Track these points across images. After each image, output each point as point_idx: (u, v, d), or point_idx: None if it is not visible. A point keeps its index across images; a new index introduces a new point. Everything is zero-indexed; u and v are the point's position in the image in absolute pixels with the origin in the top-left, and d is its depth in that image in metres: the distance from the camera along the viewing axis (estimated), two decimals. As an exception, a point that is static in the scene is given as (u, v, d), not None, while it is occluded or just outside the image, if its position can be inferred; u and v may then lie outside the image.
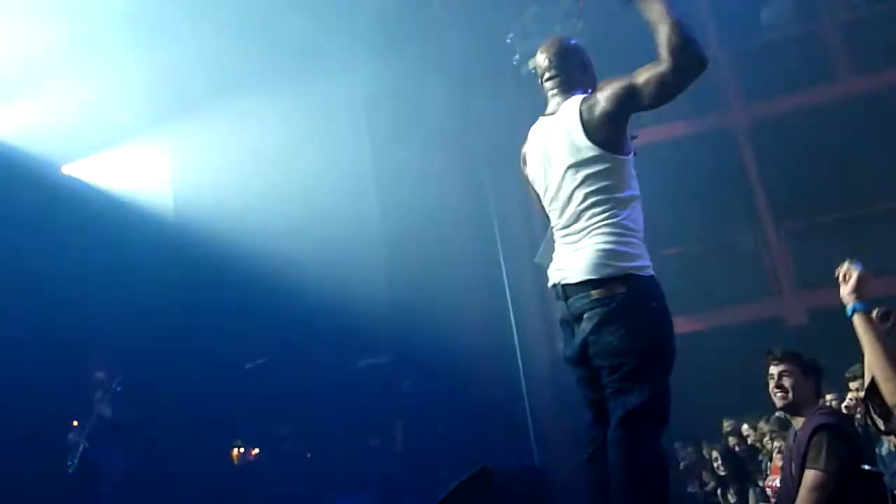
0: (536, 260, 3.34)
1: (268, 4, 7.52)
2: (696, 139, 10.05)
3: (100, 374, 6.92)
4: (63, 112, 8.09)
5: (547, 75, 3.11)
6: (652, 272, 2.86)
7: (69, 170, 8.82)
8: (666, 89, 2.70)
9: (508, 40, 8.96)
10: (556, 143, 2.96)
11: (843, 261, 3.00)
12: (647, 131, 10.02)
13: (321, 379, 8.46)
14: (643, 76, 2.72)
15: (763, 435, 6.19)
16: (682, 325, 9.08)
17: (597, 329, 2.79)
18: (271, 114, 8.75)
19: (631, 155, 2.91)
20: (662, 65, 2.67)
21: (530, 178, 3.14)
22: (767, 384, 3.83)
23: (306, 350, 8.55)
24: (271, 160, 8.75)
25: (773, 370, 3.80)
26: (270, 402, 8.26)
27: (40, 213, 7.80)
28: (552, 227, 3.06)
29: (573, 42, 3.20)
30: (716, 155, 10.02)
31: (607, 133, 2.82)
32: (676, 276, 9.52)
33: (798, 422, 3.75)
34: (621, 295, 2.76)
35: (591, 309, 2.80)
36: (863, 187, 9.61)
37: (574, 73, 3.07)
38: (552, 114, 3.04)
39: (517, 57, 8.45)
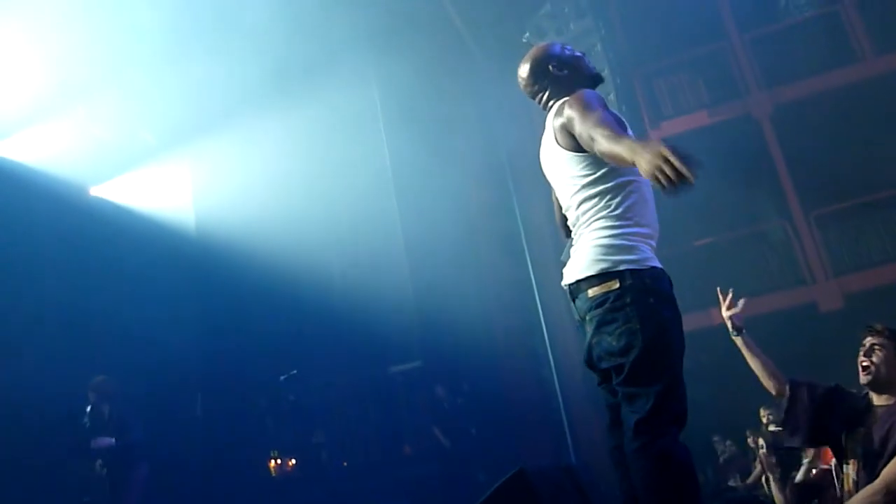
0: (562, 258, 3.32)
1: (281, 19, 7.53)
2: (719, 128, 9.95)
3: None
4: (89, 134, 8.22)
5: (529, 97, 3.13)
6: (653, 263, 2.73)
7: (97, 191, 8.91)
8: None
9: (524, 39, 8.99)
10: (546, 153, 2.99)
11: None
12: (669, 123, 10.10)
13: (353, 387, 8.49)
14: (582, 128, 2.67)
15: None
16: (715, 316, 9.16)
17: (597, 330, 2.71)
18: (290, 129, 8.79)
19: None
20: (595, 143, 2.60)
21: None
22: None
23: (336, 360, 8.58)
24: (291, 175, 8.77)
25: (868, 340, 3.68)
26: (304, 412, 8.29)
27: (69, 236, 7.89)
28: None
29: (542, 52, 3.10)
30: (740, 143, 9.90)
31: (576, 142, 2.77)
32: (707, 267, 9.48)
33: (881, 399, 3.62)
34: (616, 291, 2.66)
35: (590, 309, 2.73)
36: (890, 169, 9.45)
37: (552, 83, 3.04)
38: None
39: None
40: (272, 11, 7.45)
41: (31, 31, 6.94)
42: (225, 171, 9.20)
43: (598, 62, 8.05)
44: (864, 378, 3.65)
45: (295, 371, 6.52)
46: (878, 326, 3.72)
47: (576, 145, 2.79)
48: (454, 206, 8.99)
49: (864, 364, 3.64)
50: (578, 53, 3.13)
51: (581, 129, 2.69)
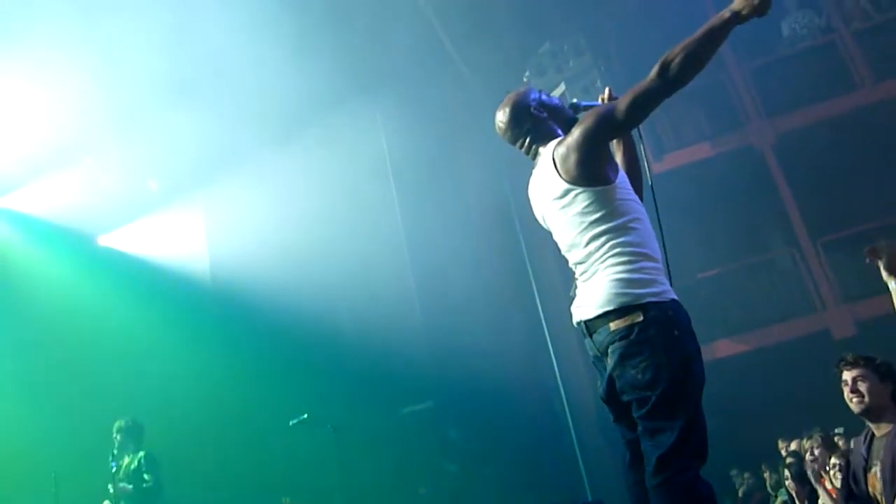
0: (572, 294, 3.31)
1: (285, 63, 7.62)
2: (722, 159, 9.99)
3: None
4: (96, 184, 8.27)
5: (510, 141, 3.09)
6: (672, 296, 2.72)
7: (105, 240, 8.97)
8: (639, 100, 2.65)
9: (525, 79, 9.10)
10: (544, 193, 2.94)
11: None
12: (670, 156, 10.13)
13: (365, 429, 8.43)
14: (624, 96, 2.70)
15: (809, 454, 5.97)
16: (727, 347, 9.20)
17: (620, 363, 2.66)
18: (299, 173, 8.84)
19: (617, 179, 2.83)
20: (647, 78, 2.63)
21: (545, 229, 3.13)
22: (828, 396, 3.74)
23: (348, 402, 8.54)
24: (302, 218, 8.78)
25: (847, 376, 3.70)
26: (316, 456, 8.25)
27: (78, 286, 7.93)
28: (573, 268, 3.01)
29: (522, 95, 3.08)
30: (744, 173, 9.95)
31: (583, 168, 2.75)
32: (715, 299, 9.48)
33: (881, 428, 3.64)
34: (640, 324, 2.63)
35: (612, 342, 2.68)
36: (894, 194, 9.45)
37: (533, 126, 3.01)
38: (536, 165, 3.03)
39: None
40: (278, 57, 7.51)
41: (35, 82, 7.00)
42: (237, 216, 9.25)
43: (599, 98, 8.09)
44: (856, 408, 3.66)
45: (305, 415, 6.45)
46: (850, 357, 3.75)
47: (583, 175, 2.77)
48: (463, 245, 9.04)
49: (854, 399, 3.66)
50: (556, 99, 3.12)
51: (612, 109, 2.68)
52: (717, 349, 9.05)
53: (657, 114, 9.55)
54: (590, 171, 2.76)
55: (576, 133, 2.77)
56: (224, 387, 8.42)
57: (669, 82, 2.59)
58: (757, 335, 9.32)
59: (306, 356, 8.60)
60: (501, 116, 3.07)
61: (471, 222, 9.58)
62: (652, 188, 3.10)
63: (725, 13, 2.59)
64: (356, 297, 8.55)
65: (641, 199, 3.01)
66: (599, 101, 3.14)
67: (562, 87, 8.98)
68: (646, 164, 3.15)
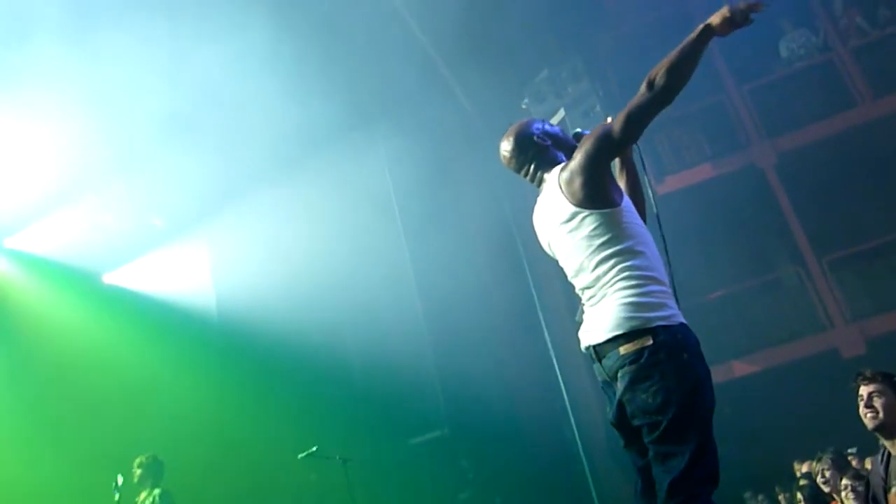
0: (578, 319, 3.30)
1: (287, 97, 7.67)
2: (724, 180, 10.00)
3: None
4: (100, 222, 8.31)
5: (515, 170, 3.15)
6: (681, 319, 2.73)
7: (111, 278, 8.99)
8: (633, 117, 2.70)
9: (524, 106, 9.13)
10: (550, 218, 2.97)
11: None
12: (673, 178, 10.16)
13: (375, 460, 8.38)
14: (618, 115, 2.76)
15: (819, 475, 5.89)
16: (736, 369, 9.13)
17: (630, 387, 2.66)
18: (303, 205, 8.89)
19: (623, 202, 2.86)
20: (637, 95, 2.69)
21: (551, 256, 3.16)
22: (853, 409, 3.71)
23: (357, 433, 8.50)
24: (308, 251, 8.78)
25: (863, 391, 3.68)
26: (326, 489, 8.19)
27: (84, 324, 7.93)
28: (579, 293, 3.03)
29: (524, 124, 3.16)
30: (746, 193, 9.95)
31: (588, 190, 2.79)
32: (723, 320, 9.45)
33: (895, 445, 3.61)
34: (650, 348, 2.63)
35: (622, 367, 2.68)
36: (898, 209, 9.46)
37: (537, 153, 3.07)
38: (541, 192, 3.07)
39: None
40: (279, 91, 7.53)
41: (36, 122, 7.02)
42: (242, 251, 9.27)
43: (598, 123, 8.10)
44: (870, 424, 3.64)
45: (315, 448, 6.41)
46: (868, 373, 3.73)
47: (590, 197, 2.80)
48: (468, 273, 9.06)
49: (869, 414, 3.63)
50: (558, 128, 3.17)
51: (609, 128, 2.75)
52: (726, 371, 8.99)
53: (658, 136, 9.63)
54: (595, 192, 2.80)
55: (578, 156, 2.82)
56: (232, 422, 8.38)
57: (657, 96, 2.65)
58: (765, 355, 9.26)
59: (314, 389, 8.60)
60: (506, 146, 3.12)
61: (475, 250, 9.60)
62: (657, 213, 3.13)
63: (700, 26, 2.68)
64: (364, 328, 8.54)
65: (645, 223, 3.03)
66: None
67: (561, 114, 9.00)
68: (649, 189, 3.18)
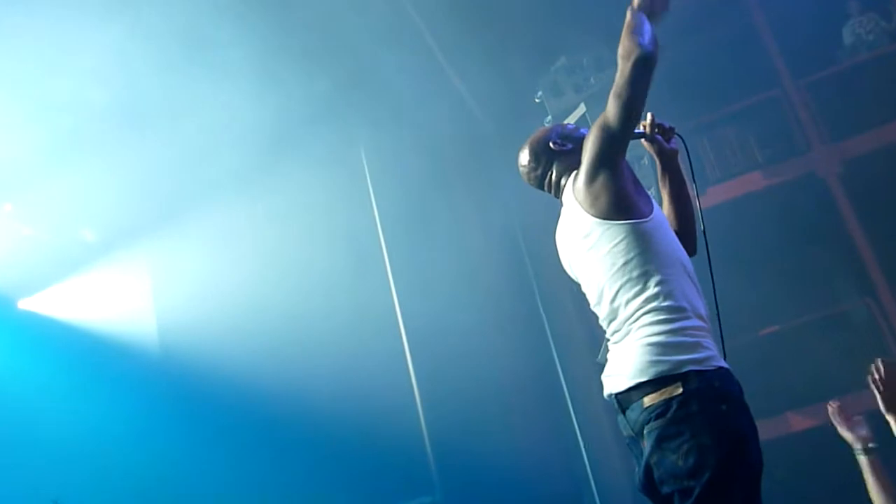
0: (601, 359, 3.30)
1: (248, 86, 7.69)
2: (777, 191, 10.03)
3: None
4: (16, 236, 8.24)
5: (535, 185, 3.31)
6: (719, 363, 2.72)
7: (27, 304, 8.92)
8: (621, 97, 2.82)
9: (537, 99, 9.14)
10: (570, 234, 3.04)
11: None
12: (716, 189, 10.16)
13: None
14: (591, 133, 2.94)
15: None
16: (792, 422, 9.03)
17: (657, 446, 2.64)
18: (266, 218, 8.97)
19: (653, 213, 2.89)
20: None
21: (574, 280, 3.23)
22: None
23: (330, 496, 8.45)
24: (272, 274, 8.84)
25: None
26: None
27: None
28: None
29: (541, 132, 3.32)
30: (804, 208, 9.97)
31: (606, 193, 2.86)
32: (778, 362, 9.37)
33: None
34: (679, 397, 2.61)
35: (648, 421, 2.66)
36: None
37: (557, 160, 3.20)
38: (563, 206, 3.16)
39: (549, 118, 8.59)
40: (240, 82, 7.60)
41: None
42: (191, 272, 9.22)
43: (640, 125, 8.03)
44: None
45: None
46: None
47: (611, 202, 2.85)
48: (465, 300, 9.00)
49: None
50: (584, 130, 3.22)
51: (603, 117, 2.89)
52: (779, 424, 8.98)
53: (699, 140, 9.59)
54: (613, 199, 2.85)
55: (584, 158, 2.91)
56: (173, 480, 8.33)
57: (629, 67, 2.79)
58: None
59: (276, 443, 8.55)
60: (522, 158, 3.28)
61: (474, 273, 9.56)
62: (704, 231, 3.18)
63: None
64: (338, 368, 8.47)
65: (691, 248, 3.12)
66: (641, 128, 3.24)
67: (582, 109, 8.96)
68: (697, 204, 3.23)
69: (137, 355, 9.12)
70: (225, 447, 8.53)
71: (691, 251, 3.20)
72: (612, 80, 2.84)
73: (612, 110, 2.81)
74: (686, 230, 3.18)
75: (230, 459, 8.51)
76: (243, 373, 8.46)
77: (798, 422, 9.15)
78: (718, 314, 2.92)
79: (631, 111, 2.81)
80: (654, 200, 2.99)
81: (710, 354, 2.71)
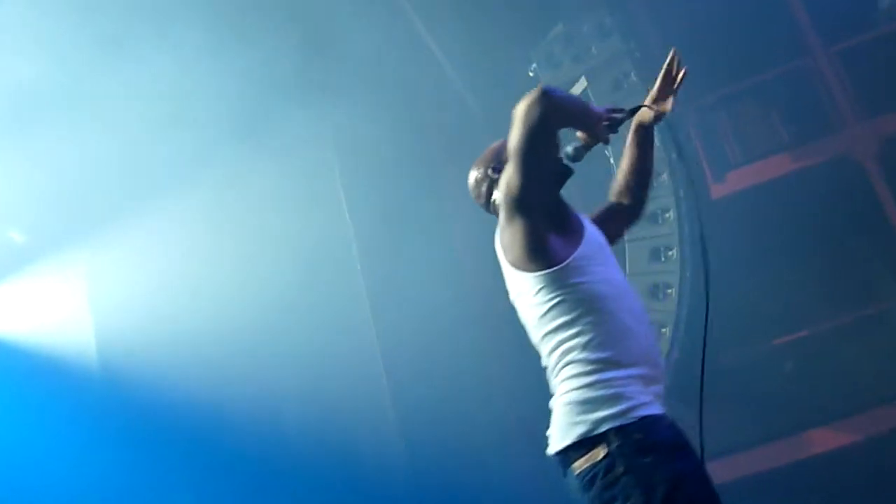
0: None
1: (196, 65, 7.60)
2: (807, 176, 9.85)
3: None
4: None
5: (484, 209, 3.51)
6: (644, 411, 2.78)
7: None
8: (513, 150, 2.89)
9: (531, 73, 9.09)
10: (506, 277, 3.21)
11: None
12: (737, 174, 10.03)
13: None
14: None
15: None
16: (815, 441, 8.90)
17: None
18: (223, 216, 8.90)
19: (575, 252, 2.95)
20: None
21: None
22: None
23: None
24: (231, 281, 8.78)
25: None
26: None
27: None
28: None
29: (489, 153, 3.47)
30: (837, 194, 9.80)
31: (519, 245, 2.96)
32: (805, 372, 9.24)
33: None
34: (604, 462, 2.72)
35: (583, 490, 2.79)
36: None
37: (497, 188, 3.31)
38: None
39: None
40: (180, 64, 7.57)
41: None
42: (135, 278, 9.16)
43: (635, 96, 7.92)
44: None
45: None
46: None
47: (521, 255, 2.97)
48: (450, 312, 8.94)
49: None
50: None
51: (500, 183, 3.07)
52: (808, 442, 8.84)
53: (717, 117, 9.47)
54: (527, 245, 2.95)
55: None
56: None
57: (523, 106, 2.86)
58: (866, 420, 9.05)
59: (237, 473, 8.52)
60: (469, 180, 3.49)
61: (461, 282, 9.49)
62: (701, 231, 3.30)
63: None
64: (307, 391, 8.50)
65: (641, 199, 3.45)
66: (649, 100, 3.49)
67: (583, 83, 9.00)
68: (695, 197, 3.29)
69: (73, 370, 9.07)
70: (175, 480, 8.53)
71: (640, 214, 3.56)
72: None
73: (509, 170, 2.92)
74: (640, 197, 3.44)
75: (181, 488, 8.51)
76: (196, 389, 8.46)
77: (823, 440, 9.01)
78: (707, 329, 3.04)
79: (528, 165, 2.85)
80: (584, 221, 3.15)
81: (632, 405, 2.78)
